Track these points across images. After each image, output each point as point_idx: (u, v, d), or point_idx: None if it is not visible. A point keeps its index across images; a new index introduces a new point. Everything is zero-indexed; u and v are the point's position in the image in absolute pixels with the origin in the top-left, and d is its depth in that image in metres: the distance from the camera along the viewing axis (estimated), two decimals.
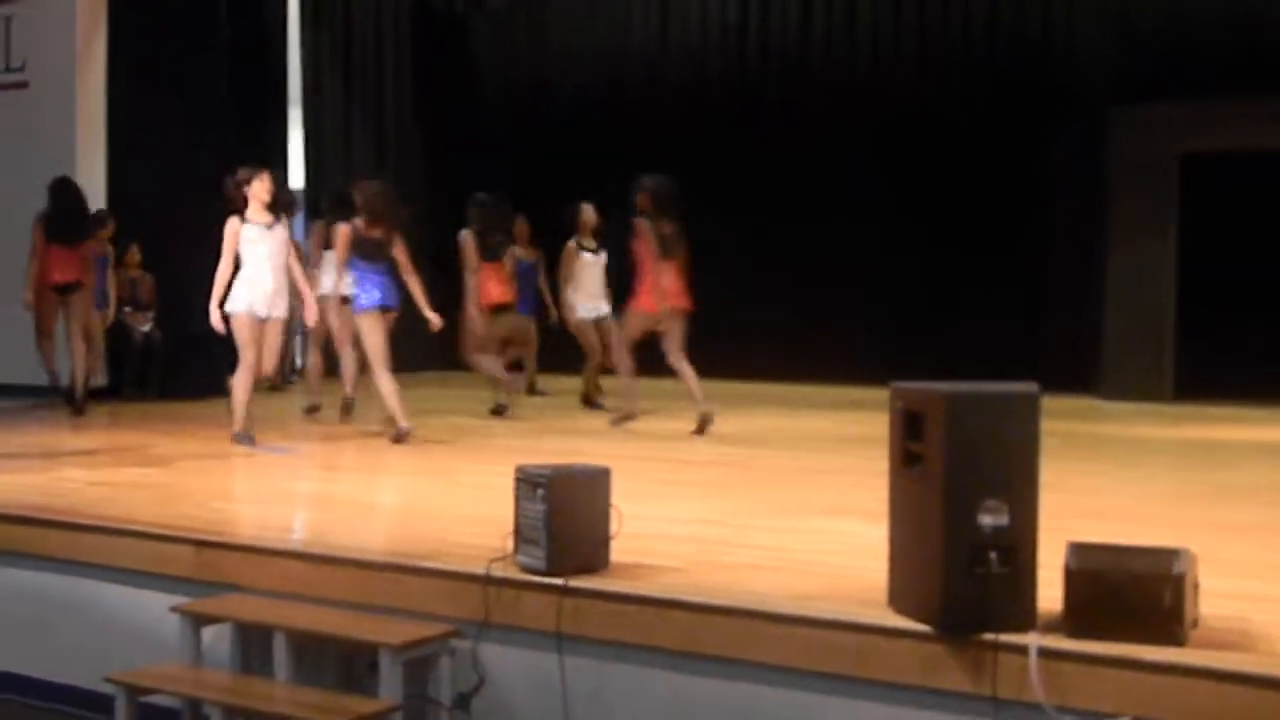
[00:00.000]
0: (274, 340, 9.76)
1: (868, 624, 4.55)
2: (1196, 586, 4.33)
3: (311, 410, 11.71)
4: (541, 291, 13.75)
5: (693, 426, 10.31)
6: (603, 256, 12.62)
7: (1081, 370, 14.00)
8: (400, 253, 10.17)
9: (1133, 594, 4.17)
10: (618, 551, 5.30)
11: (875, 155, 15.31)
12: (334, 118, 16.93)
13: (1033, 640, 4.19)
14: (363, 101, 17.25)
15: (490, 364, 11.91)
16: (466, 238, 11.86)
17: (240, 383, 9.61)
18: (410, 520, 6.65)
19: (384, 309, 10.06)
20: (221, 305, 9.44)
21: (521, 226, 13.48)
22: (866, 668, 4.52)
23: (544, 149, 16.83)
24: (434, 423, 11.30)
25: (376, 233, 10.06)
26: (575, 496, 5.21)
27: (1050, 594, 4.30)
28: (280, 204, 10.65)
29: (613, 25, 17.53)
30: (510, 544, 5.30)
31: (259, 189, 9.64)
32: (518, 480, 5.27)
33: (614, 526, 5.30)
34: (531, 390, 13.81)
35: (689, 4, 17.06)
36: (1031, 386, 4.37)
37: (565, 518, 5.14)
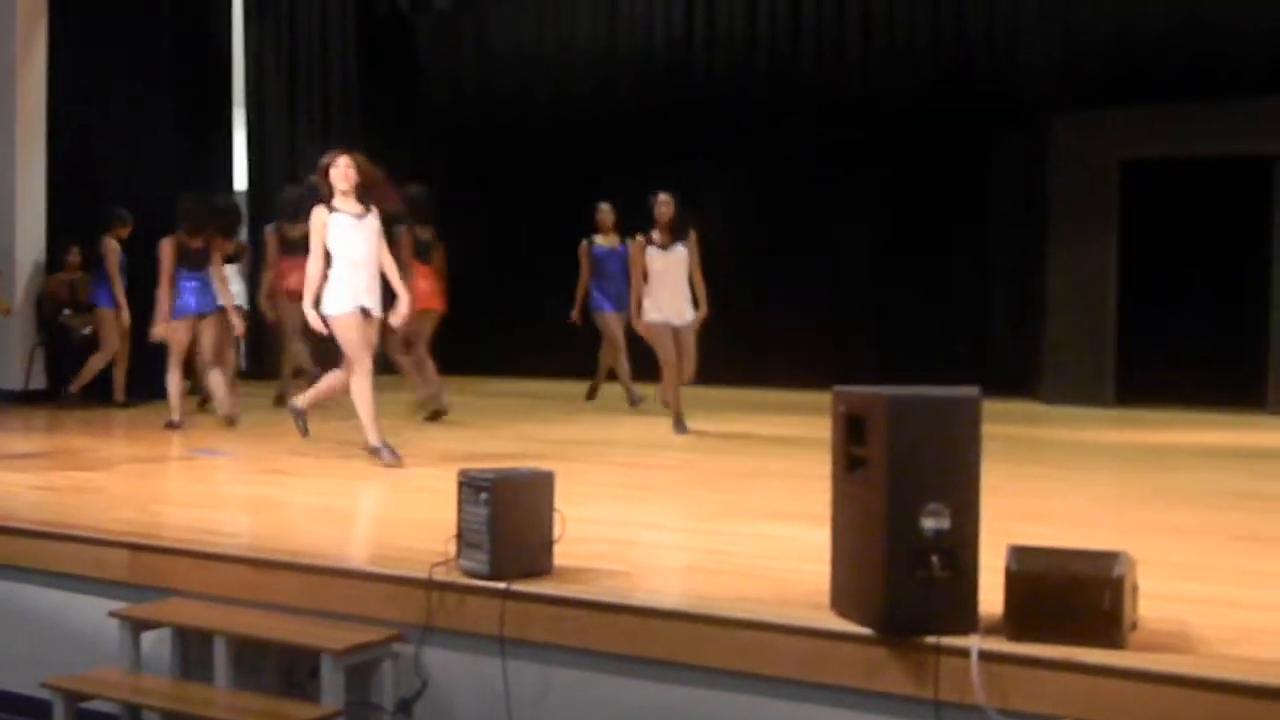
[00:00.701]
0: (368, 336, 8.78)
1: (811, 627, 4.55)
2: (1136, 589, 4.36)
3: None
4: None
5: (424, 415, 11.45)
6: (677, 252, 10.60)
7: (1024, 374, 14.10)
8: (216, 263, 11.03)
9: (1073, 597, 4.20)
10: (561, 555, 5.29)
11: (820, 160, 15.37)
12: (278, 119, 16.86)
13: (974, 643, 4.20)
14: (308, 103, 17.17)
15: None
16: (270, 232, 12.46)
17: (360, 394, 8.66)
18: (352, 524, 6.62)
19: (199, 315, 10.92)
20: (316, 305, 8.61)
21: (605, 215, 12.94)
22: (810, 671, 4.52)
23: (490, 151, 16.80)
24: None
25: (198, 242, 10.86)
26: (518, 500, 5.19)
27: (992, 597, 4.32)
28: (228, 215, 11.25)
29: (559, 29, 17.53)
30: (453, 548, 5.28)
31: (336, 175, 8.65)
32: (461, 484, 5.25)
33: (557, 530, 5.29)
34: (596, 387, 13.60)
35: (635, 10, 17.06)
36: (973, 390, 4.39)
37: (508, 522, 5.12)
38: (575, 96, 17.11)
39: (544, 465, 5.60)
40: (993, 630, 4.28)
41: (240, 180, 16.44)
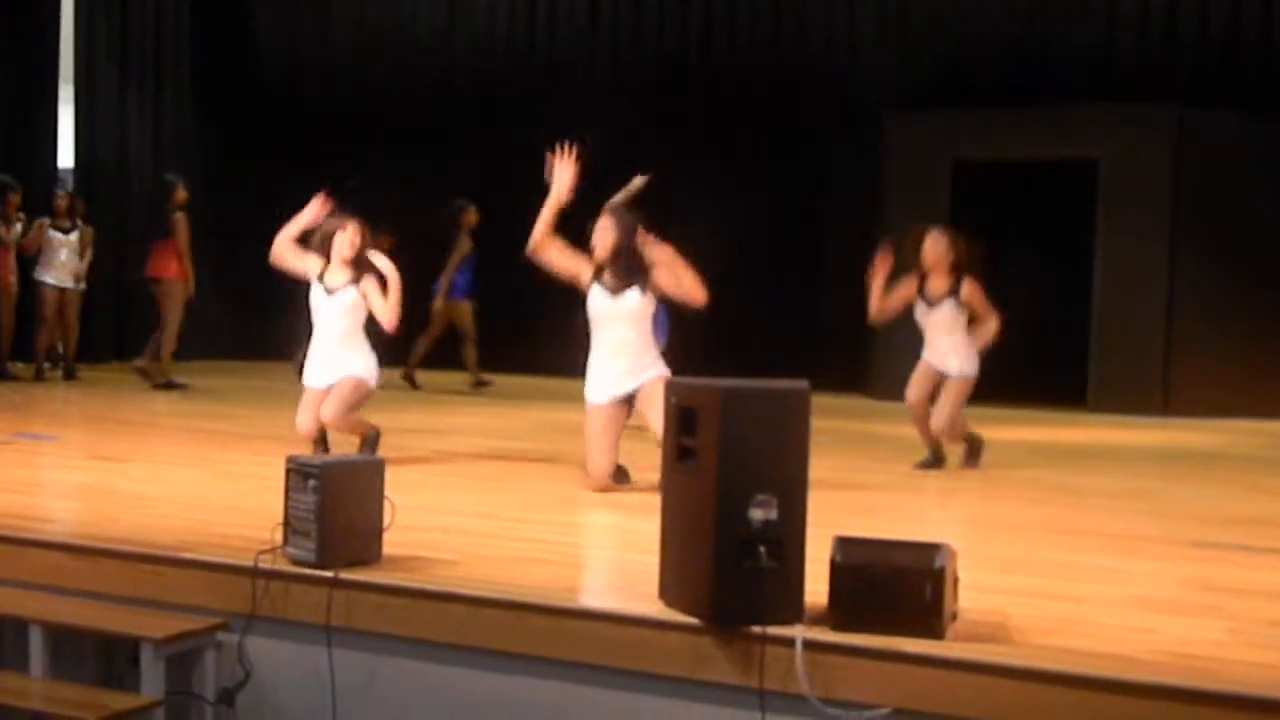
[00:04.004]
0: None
1: (638, 616, 4.57)
2: (956, 581, 4.45)
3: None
4: None
5: None
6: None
7: (855, 369, 14.30)
8: None
9: (895, 587, 4.27)
10: (390, 544, 5.25)
11: (658, 153, 15.40)
12: (108, 96, 16.38)
13: (799, 633, 4.26)
14: (139, 79, 16.72)
15: None
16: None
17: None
18: (177, 511, 6.48)
19: None
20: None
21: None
22: (637, 660, 4.54)
23: (328, 131, 16.56)
24: (211, 410, 11.09)
25: None
26: (348, 488, 5.13)
27: (817, 587, 4.38)
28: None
29: (399, 12, 17.36)
30: (279, 535, 5.21)
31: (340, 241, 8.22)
32: (289, 471, 5.18)
33: (387, 518, 5.25)
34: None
35: None
36: (802, 384, 4.44)
37: (337, 509, 5.06)
38: (416, 73, 16.94)
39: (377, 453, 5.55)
40: (817, 620, 4.34)
41: (67, 157, 15.99)
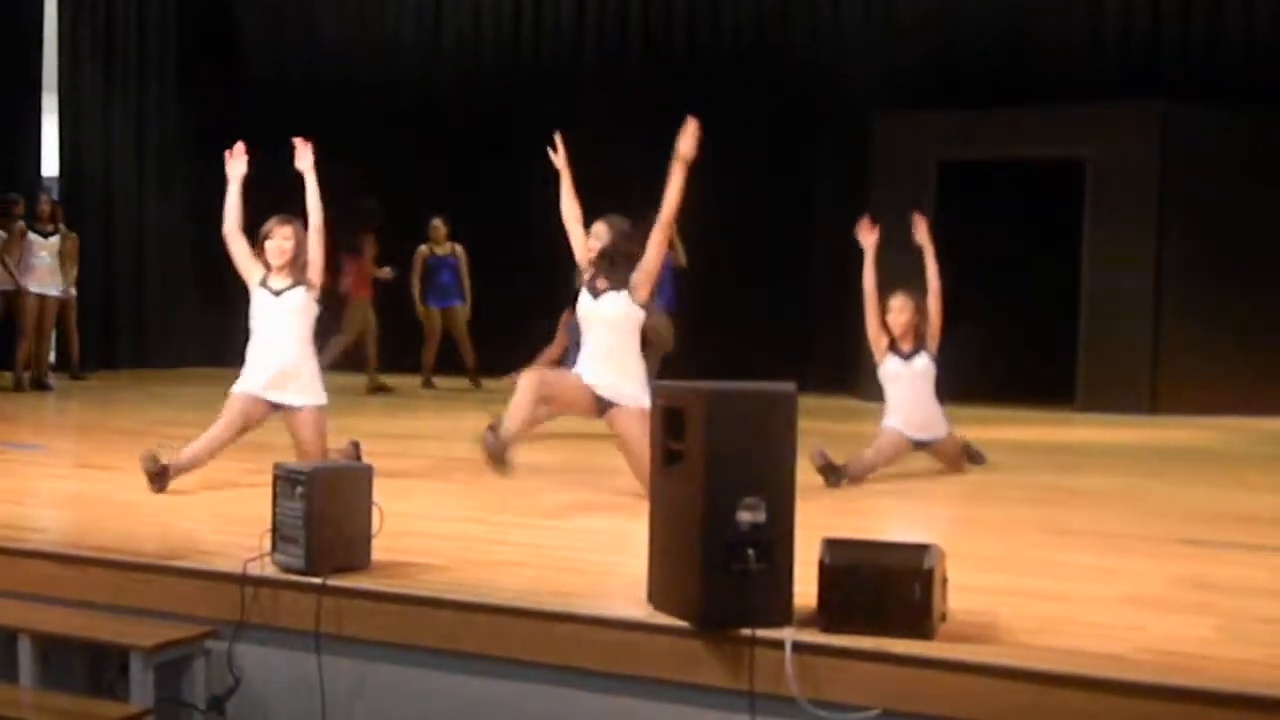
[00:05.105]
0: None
1: (628, 620, 4.58)
2: (945, 581, 4.46)
3: None
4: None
5: None
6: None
7: (843, 370, 14.31)
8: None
9: (884, 589, 4.28)
10: (379, 550, 5.25)
11: (644, 155, 15.38)
12: (93, 105, 16.37)
13: (788, 635, 4.26)
14: (124, 88, 16.71)
15: None
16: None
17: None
18: (164, 519, 6.47)
19: None
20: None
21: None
22: (626, 664, 4.54)
23: (315, 137, 16.51)
24: (197, 418, 11.06)
25: None
26: (336, 494, 5.13)
27: (806, 589, 4.38)
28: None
29: (384, 18, 17.35)
30: (268, 542, 5.20)
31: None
32: (276, 478, 5.18)
33: (375, 524, 5.24)
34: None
35: (461, 2, 16.99)
36: (789, 386, 4.45)
37: (325, 516, 5.05)
38: (400, 85, 16.96)
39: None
40: (806, 622, 4.34)
41: (52, 168, 15.97)
